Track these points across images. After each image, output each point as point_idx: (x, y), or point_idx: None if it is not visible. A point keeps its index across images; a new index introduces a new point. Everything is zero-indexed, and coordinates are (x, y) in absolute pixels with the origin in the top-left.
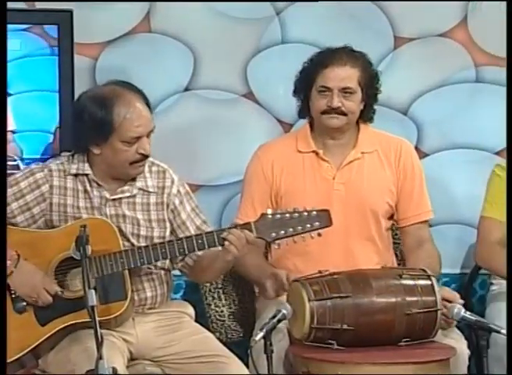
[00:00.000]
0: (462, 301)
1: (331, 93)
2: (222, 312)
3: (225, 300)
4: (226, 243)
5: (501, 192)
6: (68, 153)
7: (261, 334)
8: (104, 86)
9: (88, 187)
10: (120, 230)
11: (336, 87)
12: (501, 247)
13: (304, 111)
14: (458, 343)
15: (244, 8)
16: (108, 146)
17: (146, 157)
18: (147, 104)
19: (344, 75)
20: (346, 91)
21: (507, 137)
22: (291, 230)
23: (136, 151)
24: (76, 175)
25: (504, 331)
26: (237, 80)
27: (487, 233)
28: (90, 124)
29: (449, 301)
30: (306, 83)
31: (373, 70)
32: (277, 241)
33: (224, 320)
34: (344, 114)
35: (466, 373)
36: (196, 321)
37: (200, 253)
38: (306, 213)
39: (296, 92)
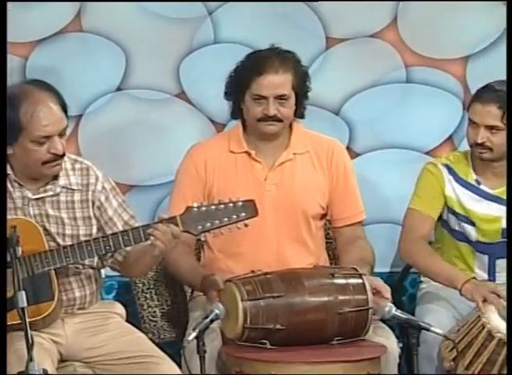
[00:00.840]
0: (389, 297)
1: (266, 101)
2: (154, 312)
3: (158, 300)
4: (152, 238)
5: (431, 188)
6: None
7: (193, 334)
8: (16, 85)
9: (10, 188)
10: (45, 230)
11: (272, 96)
12: (426, 242)
13: (237, 112)
14: (389, 341)
15: (176, 8)
16: (18, 146)
17: (60, 157)
18: (61, 103)
19: (278, 82)
20: (281, 98)
21: (508, 137)
22: (217, 222)
23: (47, 150)
24: None
25: (434, 329)
26: (170, 79)
27: (414, 227)
28: None
29: (378, 292)
30: (238, 88)
31: (303, 69)
32: (203, 234)
33: (157, 321)
34: (280, 120)
35: (396, 370)
36: (129, 322)
37: (128, 249)
38: (232, 204)
39: (227, 95)
